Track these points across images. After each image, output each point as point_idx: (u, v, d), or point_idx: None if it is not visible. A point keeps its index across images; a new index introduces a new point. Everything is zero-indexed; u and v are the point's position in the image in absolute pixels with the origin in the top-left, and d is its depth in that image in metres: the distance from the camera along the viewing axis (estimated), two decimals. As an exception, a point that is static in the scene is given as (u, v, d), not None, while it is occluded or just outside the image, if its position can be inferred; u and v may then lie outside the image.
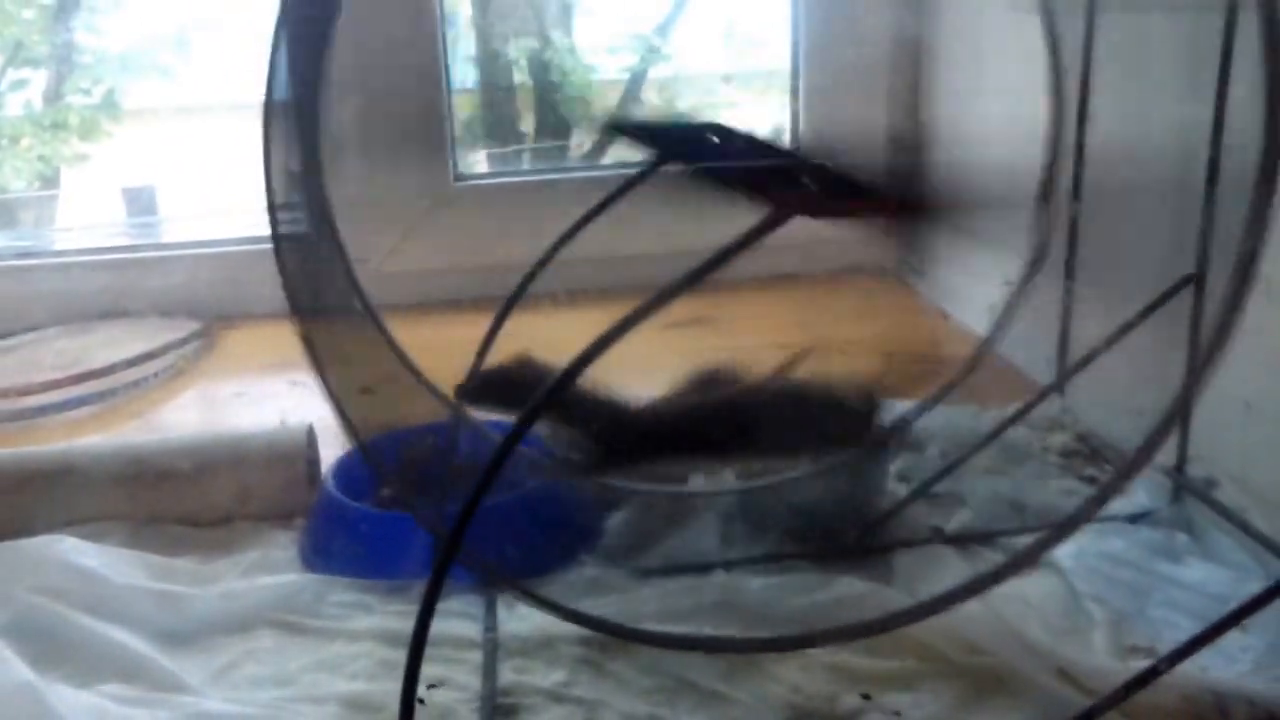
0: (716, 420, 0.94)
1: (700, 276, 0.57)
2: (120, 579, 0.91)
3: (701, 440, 0.95)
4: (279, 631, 0.91)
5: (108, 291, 1.86)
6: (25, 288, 1.87)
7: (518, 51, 2.25)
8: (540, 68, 2.26)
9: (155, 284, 1.89)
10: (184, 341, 1.70)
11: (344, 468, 1.09)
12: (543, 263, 1.08)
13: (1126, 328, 0.98)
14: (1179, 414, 0.67)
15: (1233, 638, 0.78)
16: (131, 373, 1.58)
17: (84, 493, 1.06)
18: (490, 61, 2.24)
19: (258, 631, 0.91)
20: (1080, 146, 1.15)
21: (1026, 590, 0.91)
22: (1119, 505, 1.05)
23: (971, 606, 0.86)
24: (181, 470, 1.09)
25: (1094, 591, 0.89)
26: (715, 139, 0.81)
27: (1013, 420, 1.10)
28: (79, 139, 2.30)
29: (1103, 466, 1.17)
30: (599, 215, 1.03)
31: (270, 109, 0.79)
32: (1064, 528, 0.84)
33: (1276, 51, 0.60)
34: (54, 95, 2.34)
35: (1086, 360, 1.03)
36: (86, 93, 2.33)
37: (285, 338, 0.85)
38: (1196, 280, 0.95)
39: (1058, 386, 1.18)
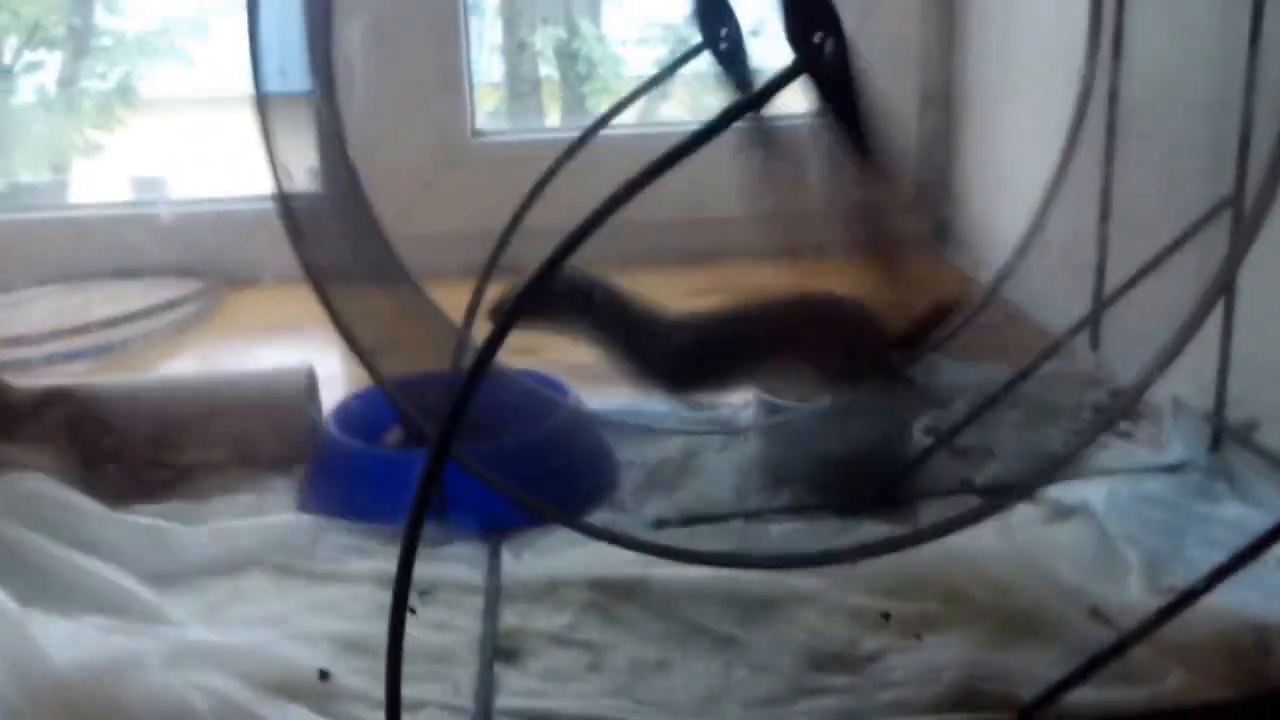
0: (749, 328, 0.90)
1: (705, 139, 0.53)
2: (107, 514, 0.88)
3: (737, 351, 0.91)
4: (272, 573, 0.87)
5: (113, 250, 1.83)
6: (29, 244, 1.83)
7: (544, 41, 2.21)
8: (567, 58, 2.22)
9: (162, 243, 1.85)
10: (187, 299, 1.67)
11: (345, 410, 1.05)
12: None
13: (1163, 255, 0.93)
14: (1198, 323, 0.63)
15: (1275, 574, 0.73)
16: (130, 328, 1.55)
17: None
18: (516, 51, 2.20)
19: (249, 572, 0.87)
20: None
21: (1057, 534, 0.87)
22: (1154, 457, 1.01)
23: (999, 547, 0.82)
24: (176, 413, 1.05)
25: (1128, 533, 0.84)
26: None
27: (1039, 363, 1.05)
28: (92, 126, 2.26)
29: (1138, 422, 1.12)
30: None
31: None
32: (1071, 456, 0.81)
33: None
34: (69, 79, 2.29)
35: (1123, 290, 0.98)
36: (102, 78, 2.28)
37: (292, 301, 0.82)
38: (1234, 203, 0.90)
39: (1091, 320, 1.13)
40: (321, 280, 0.74)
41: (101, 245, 1.84)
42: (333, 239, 0.99)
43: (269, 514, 0.96)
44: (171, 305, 1.64)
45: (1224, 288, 0.83)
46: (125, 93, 2.28)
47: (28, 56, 2.25)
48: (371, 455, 0.98)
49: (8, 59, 2.24)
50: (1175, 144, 1.09)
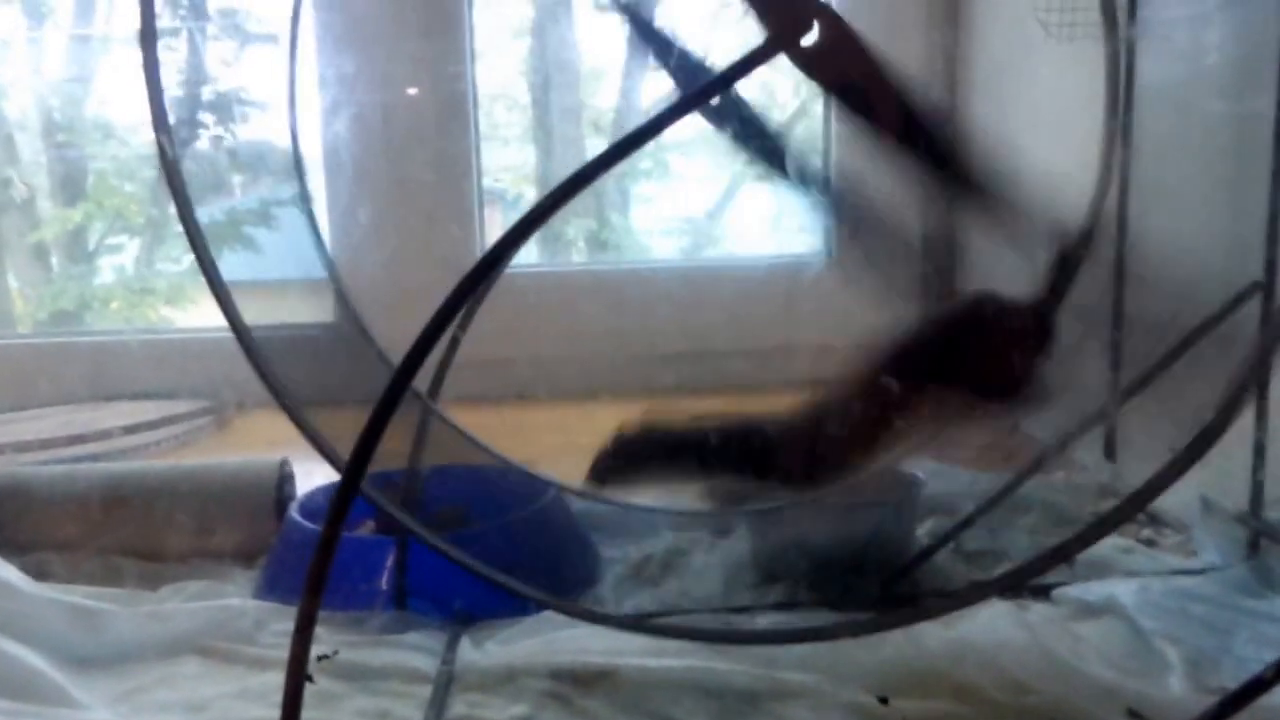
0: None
1: (663, 125, 0.50)
2: (36, 592, 0.81)
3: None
4: (206, 658, 0.79)
5: (132, 373, 1.85)
6: (52, 364, 1.87)
7: (576, 231, 2.34)
8: (598, 246, 2.35)
9: (178, 366, 1.87)
10: (189, 417, 1.66)
11: (313, 500, 1.00)
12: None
13: (1187, 342, 0.88)
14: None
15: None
16: (129, 440, 1.54)
17: (30, 518, 0.97)
18: (550, 239, 2.35)
19: (182, 657, 0.79)
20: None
21: (1083, 632, 0.77)
22: (1184, 563, 0.92)
23: (1016, 642, 0.73)
24: (137, 499, 1.00)
25: (1165, 630, 0.75)
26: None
27: (1045, 460, 0.98)
28: (166, 304, 2.40)
29: (1161, 530, 1.04)
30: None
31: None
32: (1077, 541, 0.73)
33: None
34: (146, 262, 2.46)
35: (1144, 379, 0.92)
36: (176, 262, 2.44)
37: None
38: (1265, 288, 0.86)
39: (1111, 413, 1.07)
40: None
41: (120, 369, 1.87)
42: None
43: (220, 599, 0.88)
44: (171, 421, 1.63)
45: (1260, 365, 0.77)
46: (197, 276, 2.42)
47: (109, 241, 2.43)
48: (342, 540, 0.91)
49: (91, 244, 2.43)
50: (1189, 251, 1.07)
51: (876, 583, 0.89)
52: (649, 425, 0.91)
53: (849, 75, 0.57)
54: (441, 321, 0.52)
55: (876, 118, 0.64)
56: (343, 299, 1.24)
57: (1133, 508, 0.80)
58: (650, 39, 0.76)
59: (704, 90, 0.54)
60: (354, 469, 0.52)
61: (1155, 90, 1.07)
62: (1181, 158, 1.07)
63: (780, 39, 0.50)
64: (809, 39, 0.53)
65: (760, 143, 0.84)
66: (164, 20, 2.51)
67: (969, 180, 0.71)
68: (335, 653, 0.75)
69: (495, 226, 2.16)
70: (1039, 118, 1.42)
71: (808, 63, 0.55)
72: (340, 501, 0.52)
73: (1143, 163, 1.10)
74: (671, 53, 0.73)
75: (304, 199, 1.18)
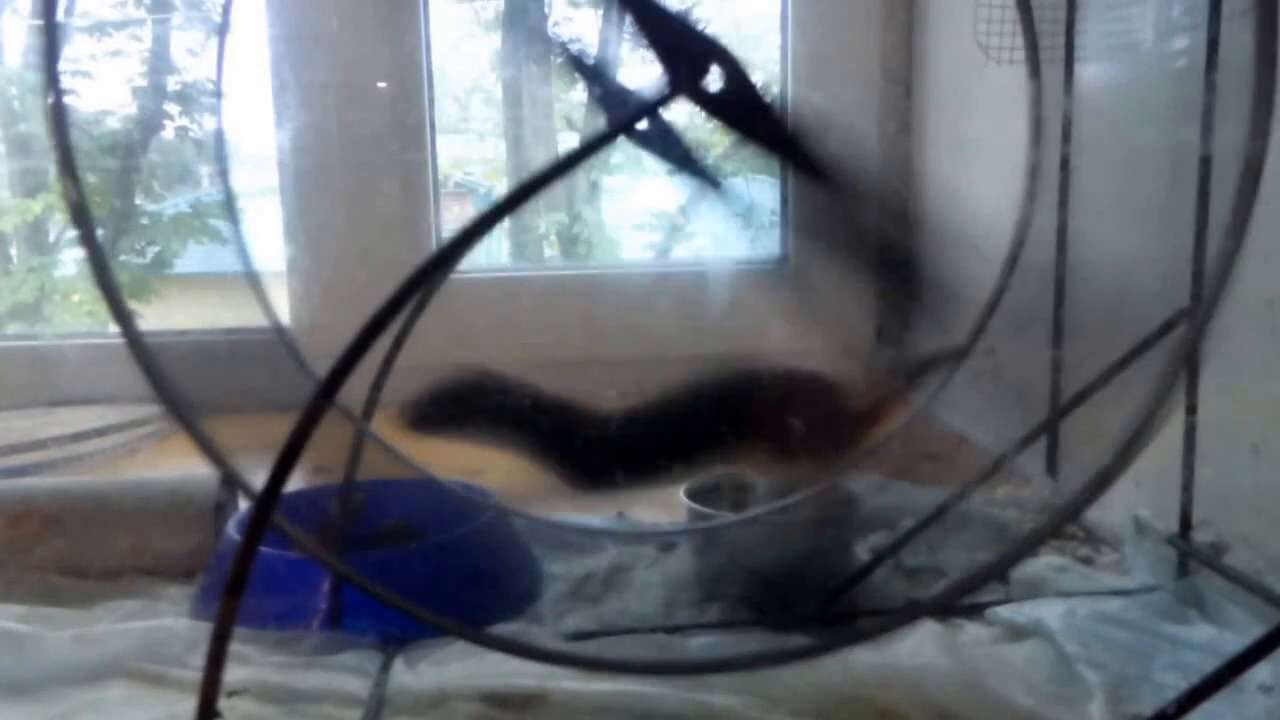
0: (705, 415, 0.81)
1: (582, 159, 0.50)
2: (-41, 613, 0.80)
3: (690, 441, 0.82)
4: (136, 682, 0.78)
5: (78, 375, 1.82)
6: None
7: (548, 225, 2.32)
8: (569, 240, 2.33)
9: (125, 370, 1.84)
10: (133, 425, 1.63)
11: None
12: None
13: (1121, 364, 0.89)
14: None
15: (1255, 700, 0.65)
16: (71, 448, 1.51)
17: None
18: (520, 233, 2.33)
19: (110, 681, 0.78)
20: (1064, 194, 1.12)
21: (1009, 655, 0.78)
22: (1116, 583, 0.94)
23: (941, 667, 0.74)
24: (74, 513, 0.98)
25: (1088, 655, 0.76)
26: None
27: (983, 479, 0.99)
28: (128, 297, 2.37)
29: (1099, 548, 1.05)
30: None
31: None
32: (1005, 561, 0.74)
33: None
34: (108, 254, 2.43)
35: (1076, 401, 0.93)
36: (140, 254, 2.42)
37: (253, 431, 0.81)
38: (1191, 314, 0.87)
39: (1049, 426, 1.09)
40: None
41: (67, 372, 1.83)
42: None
43: (152, 620, 0.87)
44: (115, 429, 1.60)
45: (1189, 387, 0.77)
46: (160, 267, 2.42)
47: (72, 233, 2.36)
48: (262, 559, 0.90)
49: (52, 236, 2.40)
50: (1126, 270, 1.09)
51: (815, 601, 0.89)
52: (478, 378, 0.88)
53: (752, 124, 0.57)
54: (352, 358, 0.51)
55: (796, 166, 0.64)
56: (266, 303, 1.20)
57: (1048, 531, 0.82)
58: (580, 70, 0.76)
59: (601, 139, 0.54)
60: (266, 498, 0.51)
61: (1093, 115, 1.09)
62: (1120, 181, 1.08)
63: (678, 84, 0.50)
64: (713, 83, 0.53)
65: (691, 167, 0.84)
66: (128, 9, 2.46)
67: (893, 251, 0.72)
68: (245, 690, 0.74)
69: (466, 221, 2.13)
70: (990, 131, 1.44)
71: (714, 108, 0.55)
72: (250, 538, 0.51)
73: (1083, 184, 1.12)
74: (599, 84, 0.73)
75: (228, 197, 1.15)
